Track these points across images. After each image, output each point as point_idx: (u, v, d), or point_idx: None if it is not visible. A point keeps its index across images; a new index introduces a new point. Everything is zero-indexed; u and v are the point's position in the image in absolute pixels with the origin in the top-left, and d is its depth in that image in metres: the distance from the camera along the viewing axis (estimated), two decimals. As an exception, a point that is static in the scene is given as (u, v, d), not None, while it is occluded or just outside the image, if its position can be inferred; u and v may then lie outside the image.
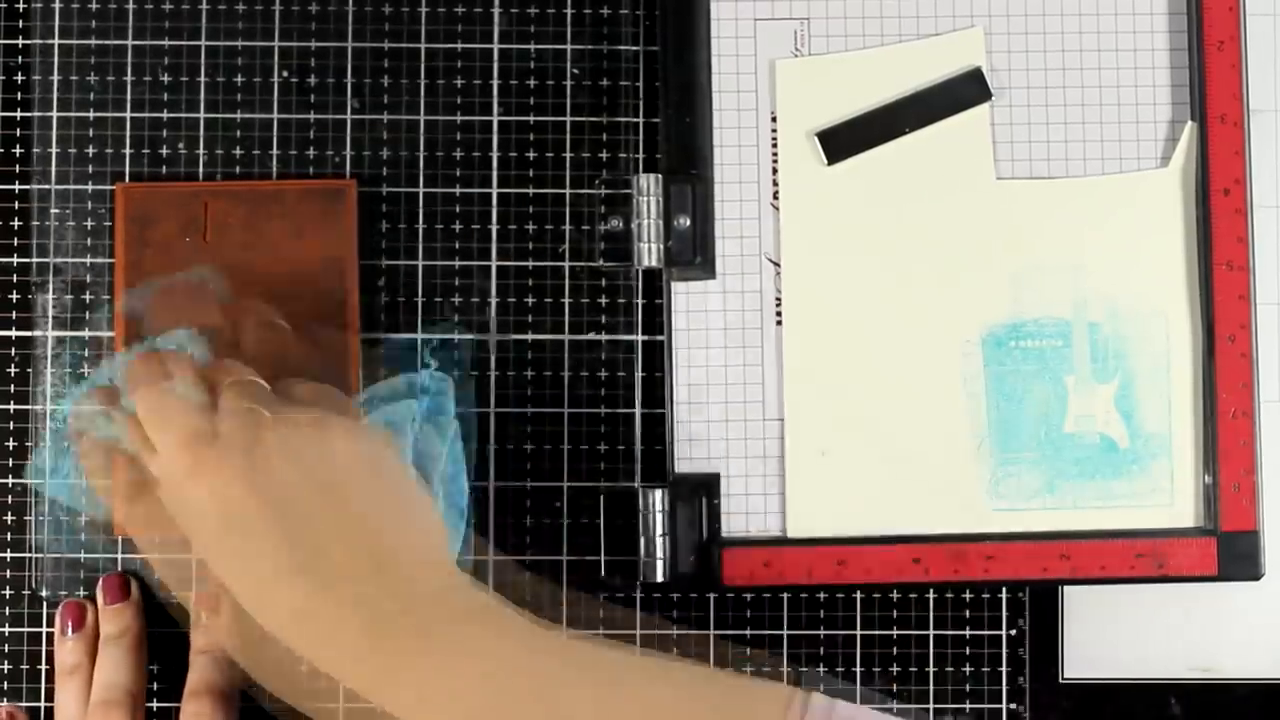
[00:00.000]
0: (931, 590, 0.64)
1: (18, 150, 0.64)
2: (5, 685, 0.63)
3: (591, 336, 0.64)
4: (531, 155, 0.64)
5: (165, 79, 0.64)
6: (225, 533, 0.52)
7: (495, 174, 0.64)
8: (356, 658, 0.50)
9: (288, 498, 0.52)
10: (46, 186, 0.64)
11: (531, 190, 0.64)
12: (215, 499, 0.52)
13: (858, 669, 0.63)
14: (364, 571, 0.51)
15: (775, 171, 0.63)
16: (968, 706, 0.63)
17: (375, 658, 0.50)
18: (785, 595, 0.63)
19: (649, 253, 0.63)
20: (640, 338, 0.64)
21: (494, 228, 0.64)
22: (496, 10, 0.64)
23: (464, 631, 0.51)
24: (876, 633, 0.63)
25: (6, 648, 0.63)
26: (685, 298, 0.63)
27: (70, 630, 0.61)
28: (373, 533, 0.52)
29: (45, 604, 0.63)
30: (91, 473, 0.57)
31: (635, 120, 0.64)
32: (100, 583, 0.62)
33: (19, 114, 0.64)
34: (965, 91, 0.63)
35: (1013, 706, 0.64)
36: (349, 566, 0.51)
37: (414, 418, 0.59)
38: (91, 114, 0.64)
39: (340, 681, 0.51)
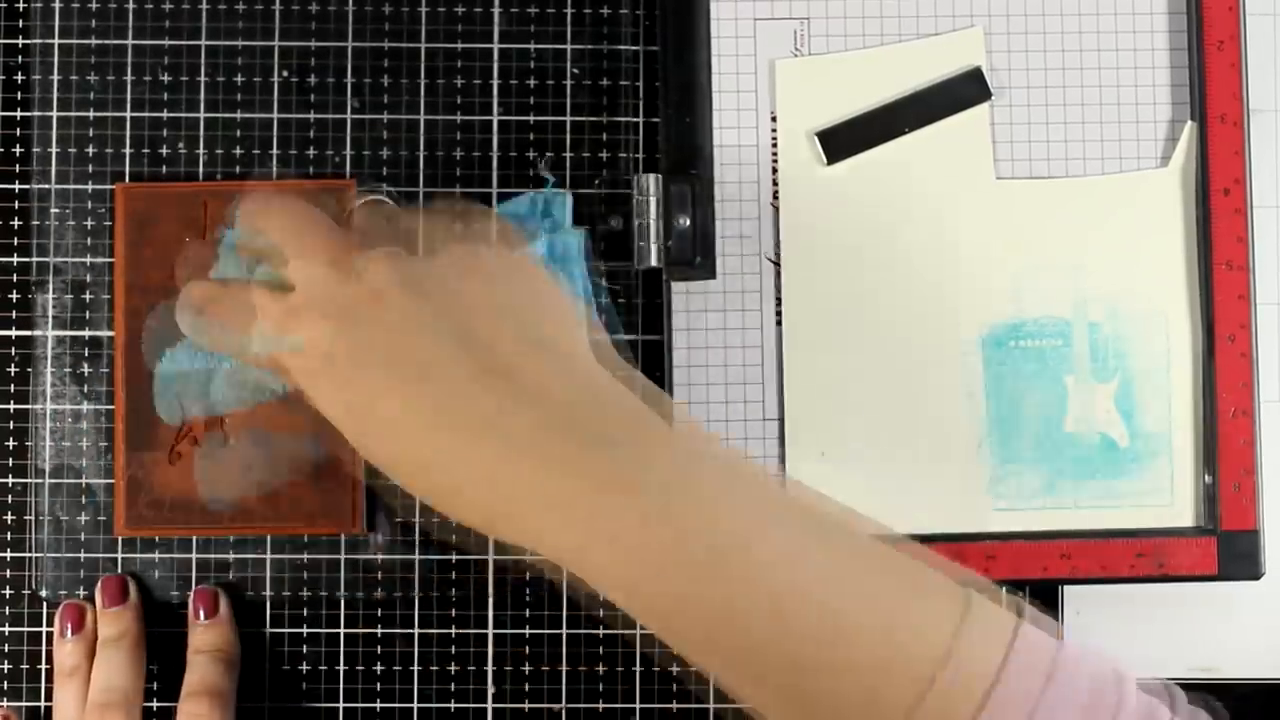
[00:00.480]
0: (931, 590, 0.63)
1: (18, 150, 0.64)
2: (5, 685, 0.63)
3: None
4: (531, 155, 0.64)
5: (165, 79, 0.64)
6: (408, 341, 0.48)
7: (495, 174, 0.64)
8: (539, 476, 0.46)
9: (453, 300, 0.49)
10: (46, 186, 0.64)
11: (531, 190, 0.64)
12: (387, 311, 0.48)
13: (858, 669, 0.63)
14: (545, 366, 0.48)
15: (775, 171, 0.63)
16: (968, 706, 0.63)
17: (574, 465, 0.46)
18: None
19: (649, 253, 0.63)
20: (640, 338, 0.64)
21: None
22: (496, 10, 0.64)
23: (652, 438, 0.47)
24: (876, 633, 0.63)
25: (6, 648, 0.63)
26: (685, 298, 0.63)
27: (69, 632, 0.61)
28: (541, 328, 0.49)
29: (45, 604, 0.63)
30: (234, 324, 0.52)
31: (635, 120, 0.64)
32: (99, 585, 0.62)
33: (19, 114, 0.64)
34: (965, 91, 0.63)
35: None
36: (529, 361, 0.48)
37: (545, 232, 0.61)
38: (91, 114, 0.64)
39: (478, 512, 0.47)
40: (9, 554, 0.63)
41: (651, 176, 0.63)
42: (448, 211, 0.54)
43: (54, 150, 0.64)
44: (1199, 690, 0.64)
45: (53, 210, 0.64)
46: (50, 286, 0.64)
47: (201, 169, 0.64)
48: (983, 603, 0.45)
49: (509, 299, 0.50)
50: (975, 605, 0.45)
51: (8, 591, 0.63)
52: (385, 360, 0.48)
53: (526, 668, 0.63)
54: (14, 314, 0.64)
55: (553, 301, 0.52)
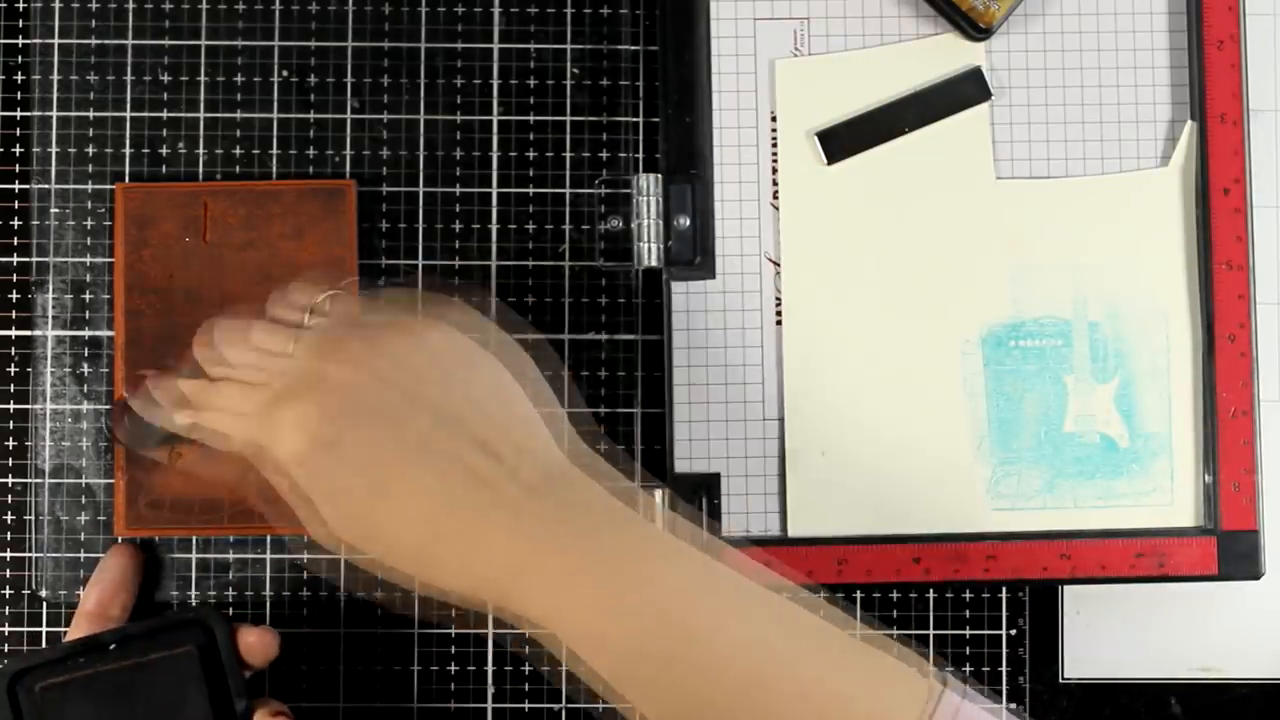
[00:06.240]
0: (931, 590, 0.64)
1: (18, 150, 0.64)
2: (5, 685, 0.63)
3: (591, 336, 0.64)
4: (531, 155, 0.64)
5: (165, 79, 0.64)
6: (407, 421, 0.49)
7: (495, 174, 0.64)
8: (490, 553, 0.48)
9: (405, 388, 0.50)
10: (46, 186, 0.64)
11: (531, 190, 0.64)
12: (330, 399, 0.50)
13: (858, 669, 0.63)
14: (485, 455, 0.49)
15: (775, 171, 0.63)
16: (968, 706, 0.63)
17: (514, 545, 0.48)
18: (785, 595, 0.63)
19: (649, 253, 0.63)
20: (640, 338, 0.64)
21: (494, 228, 0.64)
22: (496, 10, 0.65)
23: (599, 524, 0.49)
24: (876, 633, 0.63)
25: (6, 647, 0.63)
26: (685, 298, 0.63)
27: None
28: (487, 419, 0.50)
29: (45, 604, 0.63)
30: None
31: (635, 120, 0.64)
32: None
33: (19, 114, 0.64)
34: (965, 91, 0.63)
35: (1013, 706, 0.64)
36: (470, 451, 0.49)
37: None
38: (91, 114, 0.64)
39: (467, 590, 0.49)
40: (9, 554, 0.63)
41: (651, 176, 0.63)
42: (408, 299, 0.56)
43: (54, 150, 0.64)
44: (1199, 690, 0.64)
45: (53, 210, 0.64)
46: (50, 286, 0.64)
47: (201, 169, 0.64)
48: (947, 693, 0.48)
49: (486, 383, 0.52)
50: (940, 694, 0.48)
51: (8, 591, 0.63)
52: (392, 440, 0.49)
53: (526, 668, 0.63)
54: (14, 314, 0.64)
55: (514, 388, 0.53)
